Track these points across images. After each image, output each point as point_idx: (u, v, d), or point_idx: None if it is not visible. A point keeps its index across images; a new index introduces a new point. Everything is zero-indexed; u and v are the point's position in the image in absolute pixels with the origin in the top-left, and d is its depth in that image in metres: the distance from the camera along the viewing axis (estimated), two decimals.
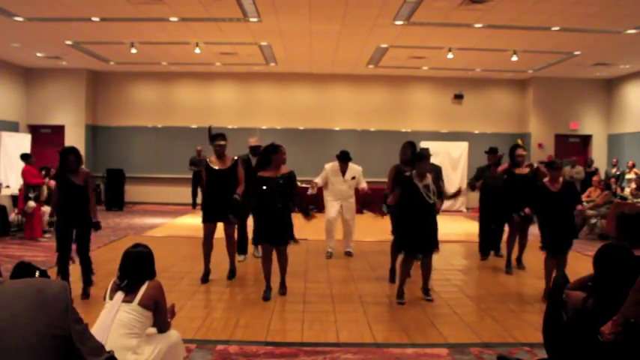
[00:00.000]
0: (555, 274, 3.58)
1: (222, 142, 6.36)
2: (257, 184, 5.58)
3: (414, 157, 5.74)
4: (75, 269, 6.64)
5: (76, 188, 5.47)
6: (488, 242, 7.88)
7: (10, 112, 14.06)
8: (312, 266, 7.20)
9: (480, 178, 7.68)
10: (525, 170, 7.02)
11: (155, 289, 3.01)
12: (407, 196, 5.46)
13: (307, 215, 6.04)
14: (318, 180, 7.76)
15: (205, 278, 6.26)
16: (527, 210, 5.97)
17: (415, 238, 5.44)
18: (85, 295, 5.60)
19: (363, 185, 7.78)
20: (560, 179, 5.80)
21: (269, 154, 5.60)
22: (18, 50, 12.42)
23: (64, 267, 5.60)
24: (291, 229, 5.66)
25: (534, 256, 6.57)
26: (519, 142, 7.76)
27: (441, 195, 5.74)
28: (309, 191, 7.71)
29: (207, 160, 6.45)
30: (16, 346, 1.57)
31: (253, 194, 5.67)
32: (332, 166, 7.80)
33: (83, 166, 5.73)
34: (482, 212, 7.87)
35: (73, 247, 5.64)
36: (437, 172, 6.03)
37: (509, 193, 6.81)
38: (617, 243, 3.18)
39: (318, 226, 9.00)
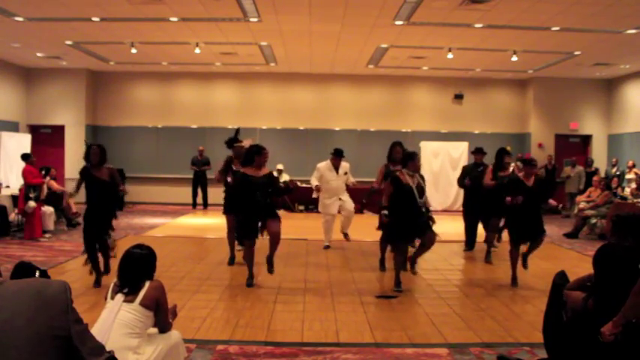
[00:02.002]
0: (555, 274, 3.58)
1: (243, 145, 6.96)
2: (241, 181, 5.91)
3: (404, 156, 6.07)
4: (77, 268, 6.66)
5: (99, 183, 5.80)
6: (472, 236, 8.45)
7: (10, 112, 14.05)
8: (312, 266, 7.20)
9: (467, 176, 8.22)
10: (508, 172, 7.63)
11: (157, 289, 3.01)
12: (398, 195, 5.80)
13: (290, 209, 6.45)
14: (314, 181, 8.22)
15: (231, 262, 7.13)
16: (519, 199, 6.15)
17: (408, 229, 5.81)
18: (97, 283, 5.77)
19: (352, 180, 8.35)
20: (533, 177, 6.28)
21: (252, 154, 5.94)
22: (18, 50, 12.42)
23: (93, 257, 5.83)
24: (276, 212, 5.97)
25: (533, 255, 6.58)
26: (508, 148, 8.23)
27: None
28: (314, 194, 8.31)
29: (231, 157, 7.08)
30: (16, 347, 1.57)
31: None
32: (325, 164, 8.27)
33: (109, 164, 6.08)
34: (465, 208, 8.54)
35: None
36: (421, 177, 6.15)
37: (495, 193, 7.32)
38: (617, 243, 3.17)
39: (317, 226, 9.02)
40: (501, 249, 8.37)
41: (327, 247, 8.40)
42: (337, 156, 8.18)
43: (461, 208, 14.14)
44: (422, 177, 5.96)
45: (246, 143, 7.96)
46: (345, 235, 8.40)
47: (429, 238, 5.82)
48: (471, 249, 8.47)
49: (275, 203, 6.17)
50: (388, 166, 7.08)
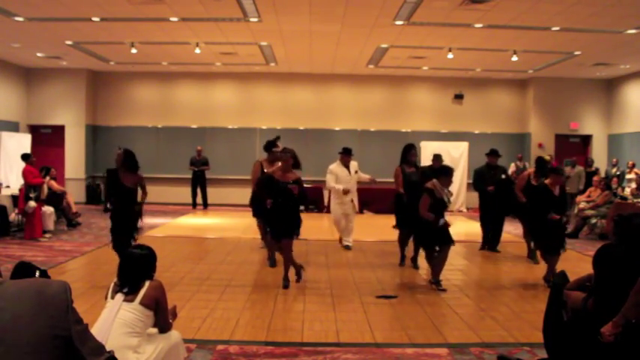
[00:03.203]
0: (555, 274, 3.58)
1: (279, 150, 6.87)
2: (265, 182, 6.02)
3: (440, 169, 6.16)
4: (77, 268, 6.66)
5: (123, 188, 5.94)
6: (487, 236, 8.50)
7: (10, 112, 14.05)
8: (313, 267, 7.19)
9: (482, 180, 8.29)
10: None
11: (156, 289, 3.01)
12: (430, 206, 5.90)
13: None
14: (332, 182, 8.12)
15: (273, 264, 7.03)
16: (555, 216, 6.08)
17: (433, 238, 6.00)
18: None
19: (366, 177, 8.34)
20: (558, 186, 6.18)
21: (278, 157, 6.13)
22: (18, 50, 12.42)
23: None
24: (298, 225, 6.01)
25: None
26: (547, 157, 8.27)
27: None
28: (343, 194, 8.11)
29: (261, 163, 7.17)
30: (17, 347, 1.57)
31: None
32: (336, 165, 8.24)
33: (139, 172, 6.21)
34: (481, 210, 8.55)
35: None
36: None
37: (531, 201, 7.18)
38: (618, 243, 3.17)
39: (318, 226, 9.02)
40: (503, 249, 8.39)
41: (348, 248, 8.35)
42: (347, 153, 8.16)
43: (461, 209, 14.38)
44: (449, 192, 6.03)
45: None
46: (347, 247, 8.39)
47: (445, 254, 6.01)
48: (482, 248, 8.48)
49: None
50: (404, 168, 7.18)
